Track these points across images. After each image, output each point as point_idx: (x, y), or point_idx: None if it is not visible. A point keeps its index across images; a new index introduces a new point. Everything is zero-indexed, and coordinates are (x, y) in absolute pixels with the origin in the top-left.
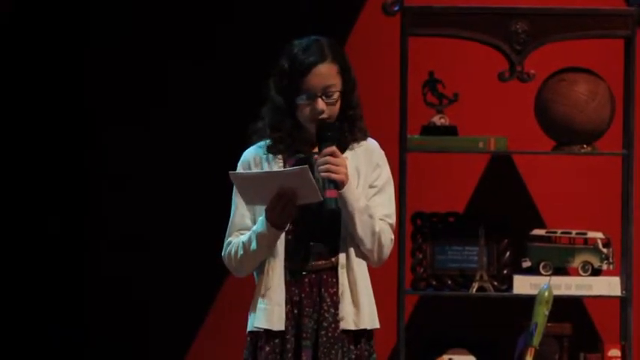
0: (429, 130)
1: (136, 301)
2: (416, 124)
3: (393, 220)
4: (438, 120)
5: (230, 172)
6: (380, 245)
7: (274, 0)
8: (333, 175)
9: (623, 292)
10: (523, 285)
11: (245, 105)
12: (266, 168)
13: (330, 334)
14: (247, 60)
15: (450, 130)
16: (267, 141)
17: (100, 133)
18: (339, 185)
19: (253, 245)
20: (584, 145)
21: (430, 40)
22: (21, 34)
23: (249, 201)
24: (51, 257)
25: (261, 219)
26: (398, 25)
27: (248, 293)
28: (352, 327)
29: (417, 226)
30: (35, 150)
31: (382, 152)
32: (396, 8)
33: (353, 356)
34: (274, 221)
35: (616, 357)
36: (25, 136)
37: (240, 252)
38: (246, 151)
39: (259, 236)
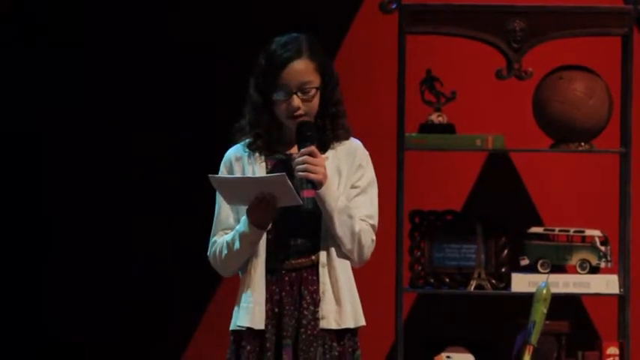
0: (427, 128)
1: (135, 301)
2: (414, 123)
3: (374, 221)
4: (436, 118)
5: (209, 175)
6: (360, 245)
7: None
8: (311, 175)
9: (621, 289)
10: (521, 283)
11: (244, 105)
12: (247, 167)
13: (309, 332)
14: (246, 59)
15: (447, 128)
16: (249, 139)
17: (96, 133)
18: (316, 185)
19: (237, 244)
20: (582, 143)
21: (428, 38)
22: (20, 34)
23: (231, 202)
24: (51, 257)
25: (243, 219)
26: (395, 23)
27: None
28: (334, 326)
29: (415, 224)
30: (35, 149)
31: (366, 152)
32: (394, 6)
33: (336, 353)
34: (255, 222)
35: (614, 355)
36: (24, 135)
37: (225, 251)
38: (229, 150)
39: (242, 236)
